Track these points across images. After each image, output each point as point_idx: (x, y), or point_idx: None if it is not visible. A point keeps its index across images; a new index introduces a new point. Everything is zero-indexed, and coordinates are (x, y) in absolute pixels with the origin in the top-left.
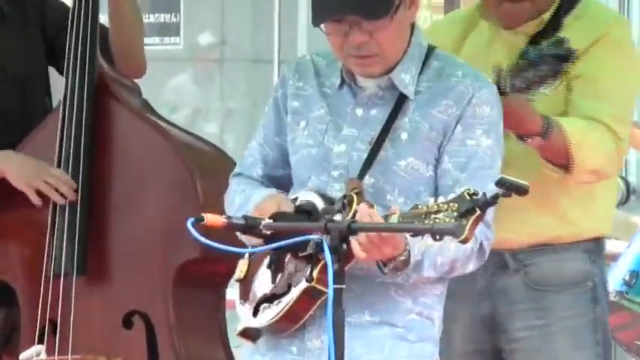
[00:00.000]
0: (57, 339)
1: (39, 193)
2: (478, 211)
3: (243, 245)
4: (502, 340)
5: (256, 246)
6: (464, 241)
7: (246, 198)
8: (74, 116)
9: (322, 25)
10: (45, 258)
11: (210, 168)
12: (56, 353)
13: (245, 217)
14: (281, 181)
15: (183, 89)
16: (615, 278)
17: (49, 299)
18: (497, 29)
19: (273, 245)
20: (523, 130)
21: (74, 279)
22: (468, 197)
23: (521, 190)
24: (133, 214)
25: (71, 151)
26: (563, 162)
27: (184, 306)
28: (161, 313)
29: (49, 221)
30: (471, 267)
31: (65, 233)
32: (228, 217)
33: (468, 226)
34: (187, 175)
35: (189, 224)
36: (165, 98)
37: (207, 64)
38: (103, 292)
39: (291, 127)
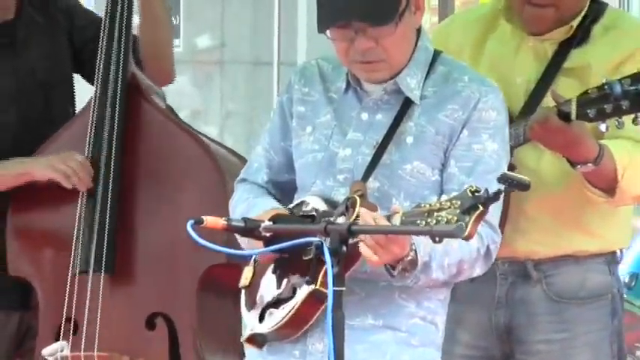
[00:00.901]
0: (83, 335)
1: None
2: (481, 208)
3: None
4: (517, 351)
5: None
6: (467, 238)
7: (249, 206)
8: (106, 114)
9: (327, 31)
10: (72, 255)
11: (234, 171)
12: (82, 349)
13: (245, 220)
14: (286, 186)
15: (183, 91)
16: None
17: (74, 297)
18: (523, 35)
19: (273, 247)
20: (579, 158)
21: (102, 277)
22: (470, 194)
23: (523, 186)
24: (163, 215)
25: (103, 148)
26: (605, 186)
27: (206, 310)
28: (184, 316)
29: (77, 218)
30: (477, 270)
31: (94, 231)
32: (228, 220)
33: (470, 223)
34: (219, 178)
35: (188, 226)
36: None
37: (206, 67)
38: (128, 291)
39: (296, 131)
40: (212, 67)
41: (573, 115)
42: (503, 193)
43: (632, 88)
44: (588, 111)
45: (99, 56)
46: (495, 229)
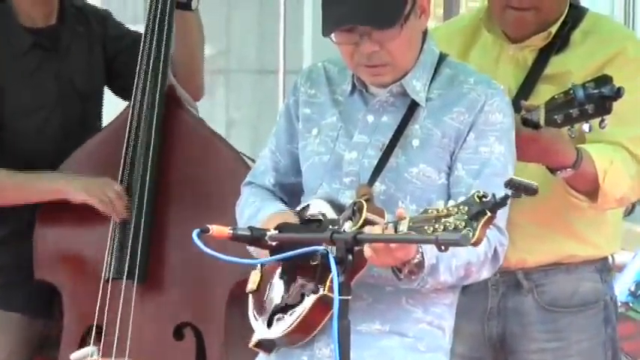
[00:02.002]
0: (115, 341)
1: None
2: (488, 214)
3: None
4: None
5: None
6: (475, 244)
7: (255, 210)
8: (143, 123)
9: (332, 35)
10: (105, 261)
11: None
12: (113, 355)
13: (250, 229)
14: (292, 189)
15: None
16: (620, 289)
17: (106, 303)
18: (503, 44)
19: (279, 256)
20: (557, 164)
21: (135, 284)
22: (477, 200)
23: (531, 191)
24: (197, 226)
25: (136, 157)
26: (588, 189)
27: (233, 324)
28: (213, 329)
29: (111, 226)
30: (485, 273)
31: (124, 239)
32: (234, 229)
33: (478, 229)
34: None
35: (194, 235)
36: None
37: (211, 75)
38: (158, 300)
39: (302, 134)
40: (217, 75)
41: (542, 122)
42: (510, 198)
43: (595, 91)
44: (556, 116)
45: (138, 66)
46: (502, 231)
